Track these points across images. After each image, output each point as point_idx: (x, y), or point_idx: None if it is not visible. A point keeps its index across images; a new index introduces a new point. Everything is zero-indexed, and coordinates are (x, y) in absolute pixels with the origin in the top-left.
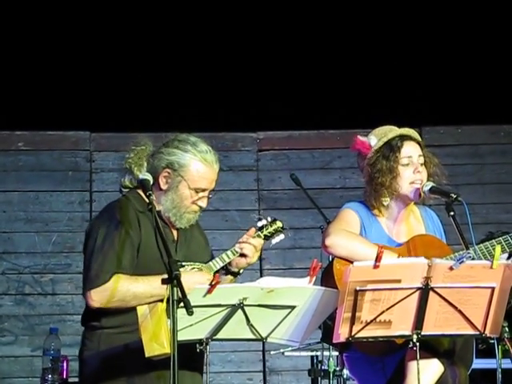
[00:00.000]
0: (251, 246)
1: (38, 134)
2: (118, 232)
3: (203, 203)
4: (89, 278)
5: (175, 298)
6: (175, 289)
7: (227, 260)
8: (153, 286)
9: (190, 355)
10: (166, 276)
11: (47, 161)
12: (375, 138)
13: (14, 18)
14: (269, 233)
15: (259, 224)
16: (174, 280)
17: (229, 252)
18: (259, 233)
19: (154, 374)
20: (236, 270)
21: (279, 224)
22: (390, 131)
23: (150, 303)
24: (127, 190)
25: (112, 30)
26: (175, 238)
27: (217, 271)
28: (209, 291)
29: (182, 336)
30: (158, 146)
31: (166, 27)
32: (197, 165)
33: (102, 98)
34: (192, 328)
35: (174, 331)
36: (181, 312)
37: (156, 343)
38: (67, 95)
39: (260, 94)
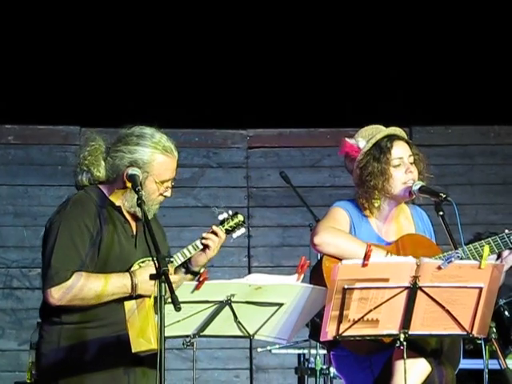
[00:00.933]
0: (215, 236)
1: (28, 128)
2: (78, 228)
3: (168, 193)
4: (48, 276)
5: (163, 293)
6: (163, 284)
7: (188, 255)
8: (115, 284)
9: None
10: (125, 274)
11: (37, 155)
12: (363, 140)
13: (4, 14)
14: (230, 227)
15: (220, 217)
16: (161, 276)
17: (190, 247)
18: (220, 227)
19: (119, 370)
20: (197, 269)
21: (240, 218)
22: (378, 132)
23: (109, 302)
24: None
25: (103, 25)
26: (134, 232)
27: (178, 267)
28: (196, 287)
29: (169, 332)
30: (111, 142)
31: (159, 24)
32: (160, 158)
33: (93, 93)
34: (179, 324)
35: (161, 327)
36: (168, 308)
37: (143, 339)
38: (58, 90)
39: (251, 92)
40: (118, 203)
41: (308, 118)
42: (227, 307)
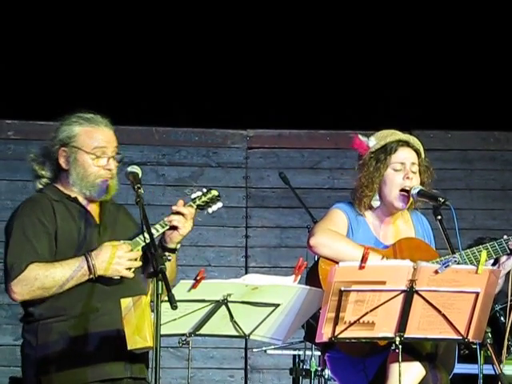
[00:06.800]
0: (179, 215)
1: (28, 123)
2: (30, 222)
3: (110, 165)
4: (6, 273)
5: (159, 291)
6: (160, 283)
7: (156, 234)
8: (72, 268)
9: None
10: (80, 257)
11: (36, 150)
12: (374, 140)
13: (4, 9)
14: (203, 202)
15: (193, 196)
16: (159, 274)
17: (157, 225)
18: (191, 203)
19: (102, 364)
20: (172, 246)
21: (214, 193)
22: (391, 135)
23: (71, 287)
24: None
25: (103, 23)
26: (97, 222)
27: (148, 246)
28: (193, 286)
29: (165, 330)
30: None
31: (160, 23)
32: (84, 129)
33: (92, 91)
34: (175, 322)
35: (157, 325)
36: (164, 306)
37: (139, 336)
38: (57, 86)
39: (252, 92)
40: (73, 194)
41: (308, 120)
42: (223, 307)
